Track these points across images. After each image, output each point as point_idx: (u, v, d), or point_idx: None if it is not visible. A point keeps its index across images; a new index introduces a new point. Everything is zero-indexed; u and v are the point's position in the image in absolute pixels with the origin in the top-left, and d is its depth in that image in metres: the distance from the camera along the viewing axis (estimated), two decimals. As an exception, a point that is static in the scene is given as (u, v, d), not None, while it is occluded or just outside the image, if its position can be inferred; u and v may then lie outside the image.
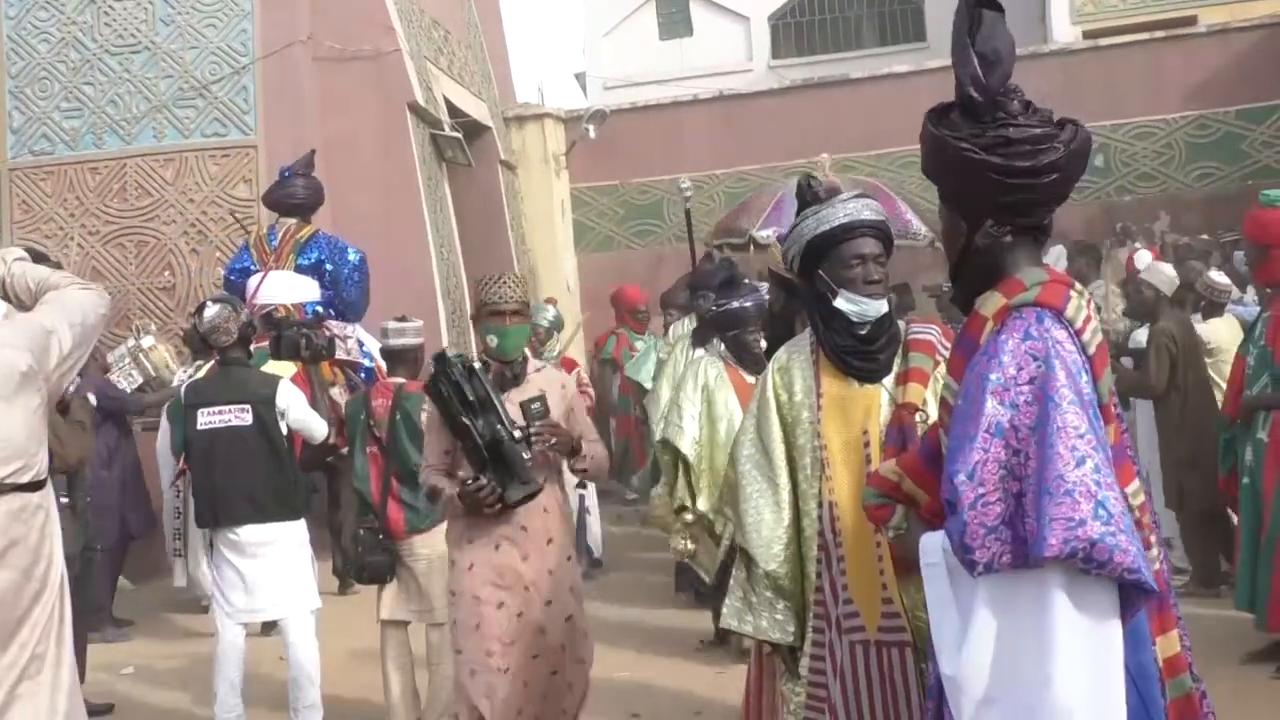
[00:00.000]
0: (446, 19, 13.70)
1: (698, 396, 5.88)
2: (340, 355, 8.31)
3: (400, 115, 11.46)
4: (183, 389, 6.43)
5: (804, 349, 3.42)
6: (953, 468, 2.27)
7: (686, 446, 5.88)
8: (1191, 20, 16.34)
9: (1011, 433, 2.24)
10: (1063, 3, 17.75)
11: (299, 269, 8.49)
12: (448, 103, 12.79)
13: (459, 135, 12.46)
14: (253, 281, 8.42)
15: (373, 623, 5.84)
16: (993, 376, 2.28)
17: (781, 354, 3.48)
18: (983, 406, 2.26)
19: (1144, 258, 7.87)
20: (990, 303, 2.43)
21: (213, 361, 6.72)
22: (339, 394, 7.90)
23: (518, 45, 38.95)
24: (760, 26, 21.54)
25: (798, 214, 3.44)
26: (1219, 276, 8.06)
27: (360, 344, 8.75)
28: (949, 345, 3.11)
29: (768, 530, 3.33)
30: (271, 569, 5.90)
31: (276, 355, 7.87)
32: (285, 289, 8.34)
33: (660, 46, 21.35)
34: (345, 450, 8.31)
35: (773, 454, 3.37)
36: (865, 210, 3.32)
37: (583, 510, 8.65)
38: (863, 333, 3.29)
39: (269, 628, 7.19)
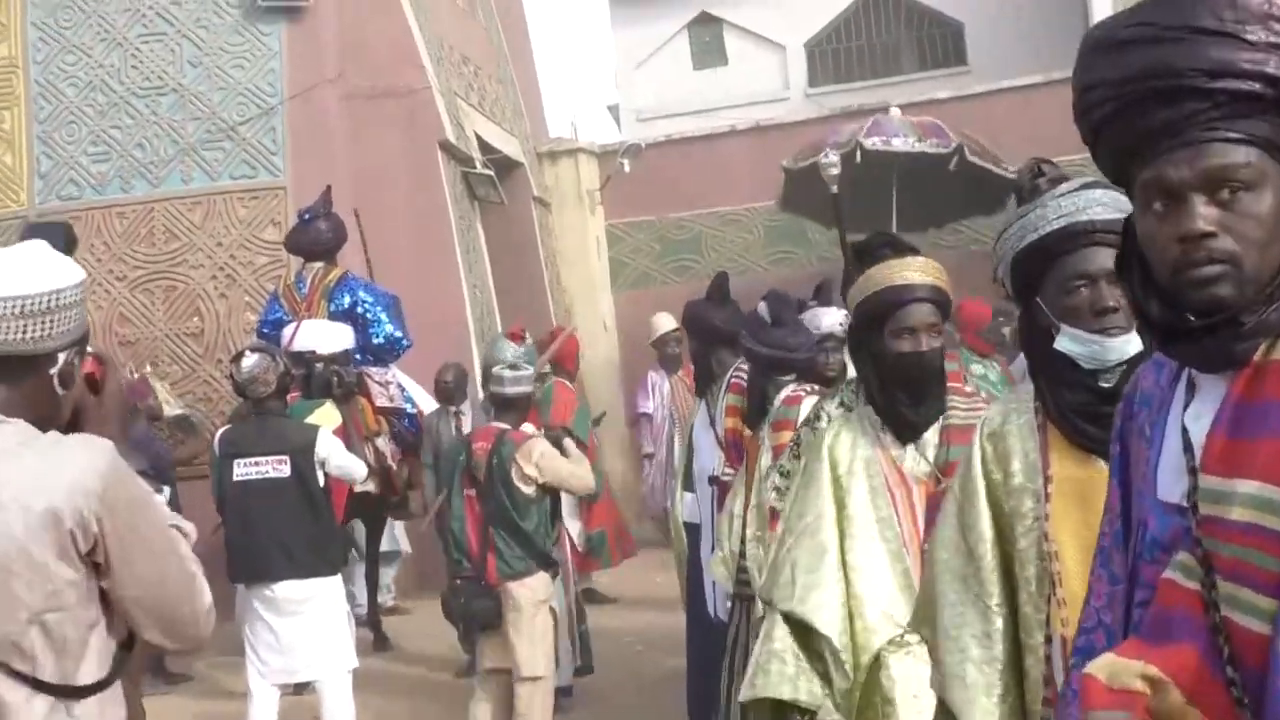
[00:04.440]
0: (476, 55, 13.76)
1: (829, 508, 3.23)
2: (382, 402, 8.29)
3: (431, 153, 11.50)
4: (217, 438, 6.42)
5: (1025, 407, 2.51)
6: None
7: (829, 622, 3.14)
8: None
9: None
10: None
11: (331, 315, 8.49)
12: (479, 139, 12.84)
13: (491, 173, 12.51)
14: (286, 333, 8.43)
15: (407, 680, 5.80)
16: None
17: (994, 414, 2.59)
18: None
19: None
20: None
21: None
22: (385, 443, 7.90)
23: (549, 79, 39.22)
24: (796, 54, 21.55)
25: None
26: None
27: (401, 388, 8.74)
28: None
29: (974, 673, 2.46)
30: (308, 627, 5.87)
31: (307, 394, 7.87)
32: (320, 338, 8.34)
33: (695, 77, 21.35)
34: (395, 499, 8.34)
35: (980, 560, 2.48)
36: (1092, 207, 2.40)
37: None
38: (1103, 385, 2.38)
39: (302, 687, 7.13)
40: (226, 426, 6.76)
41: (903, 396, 3.19)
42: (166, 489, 8.31)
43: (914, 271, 3.24)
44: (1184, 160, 1.62)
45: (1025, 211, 2.49)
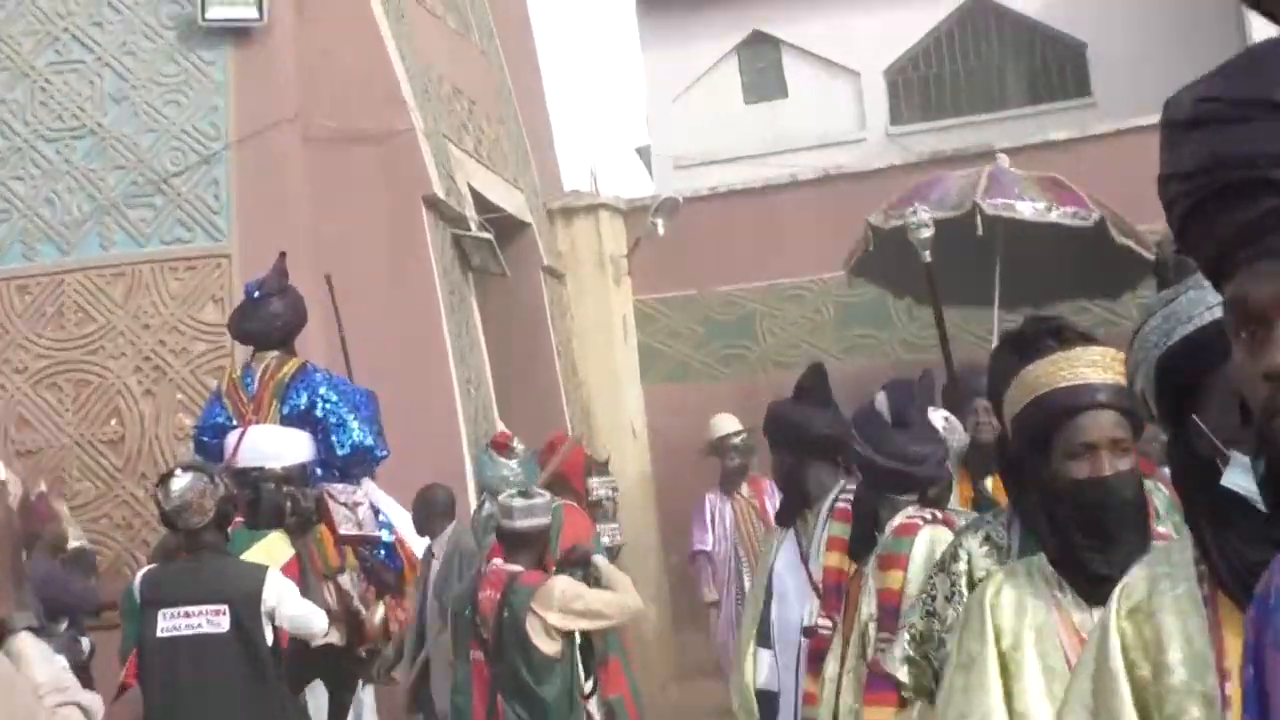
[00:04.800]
0: (472, 87, 13.91)
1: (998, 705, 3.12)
2: (349, 530, 8.25)
3: (414, 212, 11.59)
4: (136, 581, 6.41)
5: (1181, 571, 2.23)
6: None
7: None
8: None
9: None
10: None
11: (285, 419, 8.45)
12: (475, 194, 12.93)
13: (490, 236, 12.58)
14: (229, 442, 8.39)
15: None
16: None
17: (1138, 581, 2.29)
18: None
19: None
20: None
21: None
22: (350, 581, 7.86)
23: (564, 117, 39.57)
24: (875, 83, 21.69)
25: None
26: None
27: (375, 511, 8.70)
28: None
29: None
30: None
31: (253, 521, 7.85)
32: (270, 449, 8.31)
33: (745, 113, 21.49)
34: (363, 652, 8.30)
35: None
36: None
37: None
38: None
39: None
40: (149, 566, 6.75)
41: (1085, 540, 2.98)
42: (86, 640, 8.32)
43: (1092, 368, 3.08)
44: (1268, 276, 1.58)
45: (1171, 296, 2.33)
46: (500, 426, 12.03)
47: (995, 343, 12.49)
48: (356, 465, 8.66)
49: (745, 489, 11.17)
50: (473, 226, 12.47)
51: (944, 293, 10.84)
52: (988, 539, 3.69)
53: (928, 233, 10.32)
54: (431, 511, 8.70)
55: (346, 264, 11.05)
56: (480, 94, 14.10)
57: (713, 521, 11.26)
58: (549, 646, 5.80)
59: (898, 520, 4.82)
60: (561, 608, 5.87)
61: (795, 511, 6.00)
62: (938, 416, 5.64)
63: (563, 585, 5.96)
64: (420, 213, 11.64)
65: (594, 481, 9.84)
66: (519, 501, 6.19)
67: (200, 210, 11.02)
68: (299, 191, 11.28)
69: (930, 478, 5.13)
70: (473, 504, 10.07)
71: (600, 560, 6.47)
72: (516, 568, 6.06)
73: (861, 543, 5.09)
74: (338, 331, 9.65)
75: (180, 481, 6.11)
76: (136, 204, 11.04)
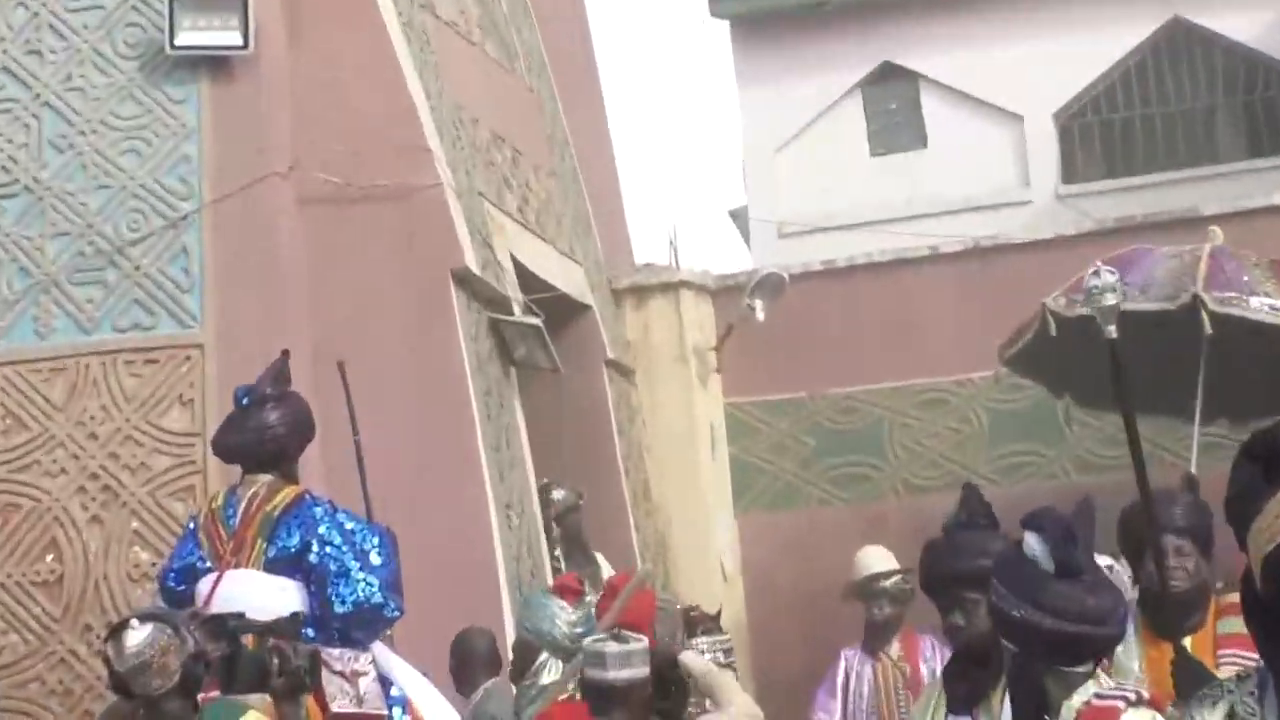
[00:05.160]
0: (517, 132, 13.96)
1: None
2: (344, 707, 8.17)
3: (441, 291, 11.62)
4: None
5: None
6: None
7: None
8: None
9: None
10: None
11: (270, 563, 8.38)
12: (519, 268, 12.96)
13: (539, 321, 12.58)
14: (202, 589, 8.34)
15: None
16: None
17: None
18: None
19: None
20: None
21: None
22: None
23: (636, 170, 39.73)
24: (1042, 130, 21.63)
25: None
26: None
27: (383, 683, 8.62)
28: None
29: None
30: None
31: (230, 685, 7.77)
32: (251, 598, 8.24)
33: (872, 167, 21.49)
34: None
35: None
36: None
37: None
38: None
39: None
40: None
41: None
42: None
43: None
44: None
45: None
46: (547, 567, 11.94)
47: (1193, 464, 12.21)
48: (360, 626, 8.56)
49: (896, 648, 10.89)
50: (516, 309, 12.50)
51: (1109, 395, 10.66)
52: (1232, 715, 3.64)
53: (1113, 299, 10.00)
54: (472, 661, 8.55)
55: (354, 358, 11.02)
56: (528, 141, 14.18)
57: (845, 687, 10.96)
58: None
59: (1080, 699, 4.79)
60: None
61: (978, 693, 5.90)
62: (1106, 563, 5.54)
63: None
64: (449, 292, 11.64)
65: (701, 643, 9.69)
66: (613, 647, 6.32)
67: (164, 288, 11.02)
68: (292, 265, 11.30)
69: (1113, 639, 5.09)
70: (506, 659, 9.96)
71: (693, 660, 6.69)
72: None
73: None
74: (353, 438, 9.48)
75: (137, 635, 6.06)
76: (83, 280, 11.05)
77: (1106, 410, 13.15)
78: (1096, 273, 9.42)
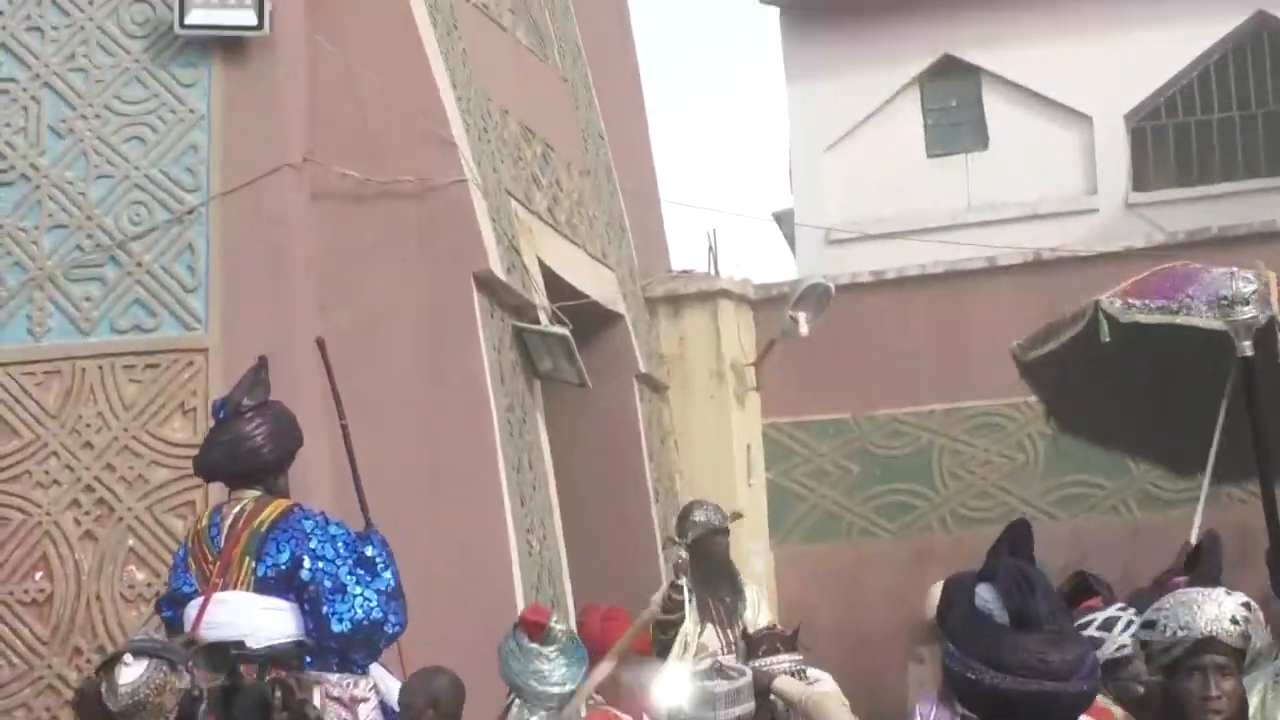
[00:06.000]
0: (548, 126, 14.00)
1: None
2: (346, 741, 8.20)
3: (462, 295, 11.65)
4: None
5: None
6: None
7: None
8: None
9: None
10: None
11: (260, 583, 8.36)
12: (547, 272, 13.01)
13: (567, 331, 12.61)
14: (188, 614, 8.33)
15: None
16: None
17: None
18: None
19: None
20: None
21: None
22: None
23: (675, 169, 39.69)
24: (1112, 132, 21.60)
25: None
26: None
27: (385, 709, 8.64)
28: None
29: None
30: None
31: (227, 719, 7.80)
32: (238, 624, 8.22)
33: (928, 169, 21.43)
34: None
35: None
36: None
37: None
38: None
39: None
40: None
41: None
42: None
43: None
44: None
45: None
46: (569, 594, 11.95)
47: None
48: (360, 646, 8.54)
49: None
50: (543, 318, 12.53)
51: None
52: None
53: (1250, 313, 9.30)
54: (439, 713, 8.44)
55: (365, 364, 11.06)
56: (560, 136, 14.20)
57: None
58: None
59: None
60: None
61: None
62: (1236, 602, 5.47)
63: None
64: (471, 297, 11.67)
65: (783, 661, 9.67)
66: (723, 686, 6.51)
67: (168, 287, 11.06)
68: (304, 263, 11.33)
69: (1083, 696, 4.79)
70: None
71: (790, 686, 6.93)
72: None
73: None
74: (340, 423, 9.34)
75: (131, 672, 6.10)
76: (81, 276, 11.09)
77: (1090, 439, 13.25)
78: (1232, 276, 9.10)
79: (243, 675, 7.99)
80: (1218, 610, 5.47)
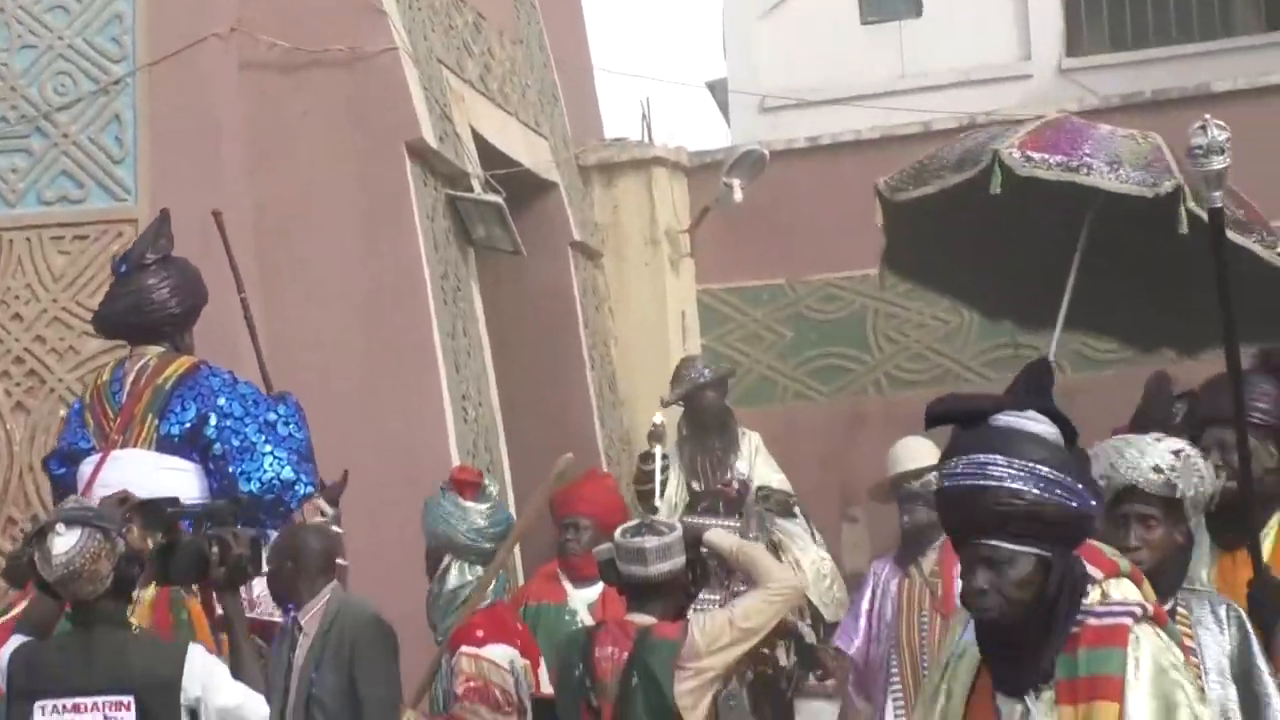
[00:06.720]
0: (479, -6, 13.91)
1: None
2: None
3: (394, 165, 11.62)
4: (3, 660, 6.42)
5: None
6: None
7: None
8: None
9: None
10: None
11: (163, 441, 8.30)
12: (480, 141, 12.97)
13: (500, 200, 12.60)
14: (83, 472, 8.25)
15: None
16: None
17: None
18: None
19: None
20: None
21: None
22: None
23: (607, 37, 39.44)
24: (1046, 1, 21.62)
25: None
26: None
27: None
28: None
29: None
30: None
31: (165, 576, 7.75)
32: (135, 484, 8.09)
33: (862, 35, 21.32)
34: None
35: None
36: None
37: None
38: None
39: None
40: (18, 643, 6.75)
41: None
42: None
43: None
44: None
45: None
46: (505, 460, 12.01)
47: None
48: (269, 508, 8.47)
49: (930, 560, 10.05)
50: (477, 186, 12.52)
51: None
52: None
53: (1221, 163, 8.84)
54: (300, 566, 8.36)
55: (298, 234, 11.09)
56: (491, 4, 14.11)
57: (871, 608, 10.30)
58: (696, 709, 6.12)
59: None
60: (713, 641, 6.22)
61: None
62: (1164, 449, 5.55)
63: (705, 621, 6.39)
64: (403, 166, 11.65)
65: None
66: (652, 541, 6.48)
67: (95, 158, 11.06)
68: (233, 134, 11.31)
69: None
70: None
71: (720, 538, 6.86)
72: (647, 618, 6.36)
73: None
74: (239, 295, 9.30)
75: (65, 541, 6.03)
76: (6, 148, 11.08)
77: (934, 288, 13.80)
78: (1204, 128, 8.88)
79: (179, 532, 7.98)
80: (1139, 458, 5.53)
